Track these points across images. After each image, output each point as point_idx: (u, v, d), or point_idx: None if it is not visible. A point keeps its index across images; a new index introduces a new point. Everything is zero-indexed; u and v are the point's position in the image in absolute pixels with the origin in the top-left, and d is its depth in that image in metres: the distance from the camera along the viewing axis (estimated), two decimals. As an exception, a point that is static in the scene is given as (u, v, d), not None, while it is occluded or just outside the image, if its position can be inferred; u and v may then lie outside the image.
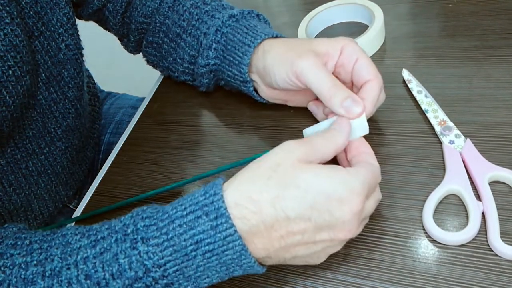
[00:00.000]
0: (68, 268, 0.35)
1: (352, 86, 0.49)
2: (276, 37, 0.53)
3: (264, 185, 0.35)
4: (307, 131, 0.48)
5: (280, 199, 0.35)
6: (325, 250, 0.38)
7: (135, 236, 0.35)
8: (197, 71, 0.60)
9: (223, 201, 0.35)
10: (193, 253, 0.34)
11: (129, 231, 0.35)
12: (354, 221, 0.36)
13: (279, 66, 0.49)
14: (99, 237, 0.36)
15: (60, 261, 0.35)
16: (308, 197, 0.35)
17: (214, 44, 0.56)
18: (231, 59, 0.54)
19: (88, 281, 0.34)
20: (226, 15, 0.56)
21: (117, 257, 0.34)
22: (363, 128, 0.44)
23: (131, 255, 0.34)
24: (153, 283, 0.35)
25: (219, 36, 0.56)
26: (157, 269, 0.34)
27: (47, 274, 0.35)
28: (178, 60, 0.62)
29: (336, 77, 0.48)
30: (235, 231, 0.34)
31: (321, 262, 0.42)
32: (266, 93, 0.55)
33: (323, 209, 0.35)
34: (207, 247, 0.34)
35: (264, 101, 0.56)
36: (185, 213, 0.35)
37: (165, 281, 0.35)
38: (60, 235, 0.38)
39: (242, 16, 0.57)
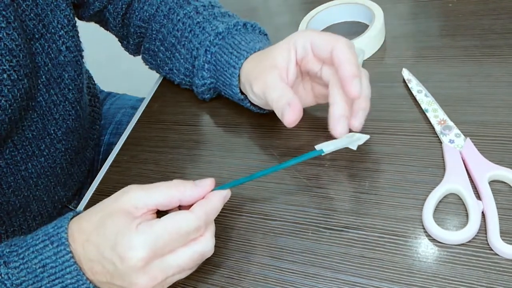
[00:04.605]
0: None
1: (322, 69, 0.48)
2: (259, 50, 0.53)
3: (94, 228, 0.40)
4: (322, 146, 0.44)
5: (88, 243, 0.40)
6: None
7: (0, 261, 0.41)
8: (197, 90, 0.61)
9: (66, 232, 0.40)
10: (41, 275, 0.40)
11: None
12: (139, 276, 0.38)
13: (246, 85, 0.51)
14: None
15: None
16: (102, 246, 0.39)
17: (206, 65, 0.57)
18: (223, 80, 0.56)
19: None
20: (213, 33, 0.57)
21: None
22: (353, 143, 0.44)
23: None
24: None
25: (209, 56, 0.57)
26: None
27: None
28: (175, 71, 0.63)
29: (302, 68, 0.49)
30: (71, 257, 0.40)
31: (321, 261, 0.42)
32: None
33: (109, 260, 0.39)
34: (51, 270, 0.40)
35: (264, 112, 0.56)
36: (38, 241, 0.41)
37: None
38: None
39: (228, 32, 0.57)
